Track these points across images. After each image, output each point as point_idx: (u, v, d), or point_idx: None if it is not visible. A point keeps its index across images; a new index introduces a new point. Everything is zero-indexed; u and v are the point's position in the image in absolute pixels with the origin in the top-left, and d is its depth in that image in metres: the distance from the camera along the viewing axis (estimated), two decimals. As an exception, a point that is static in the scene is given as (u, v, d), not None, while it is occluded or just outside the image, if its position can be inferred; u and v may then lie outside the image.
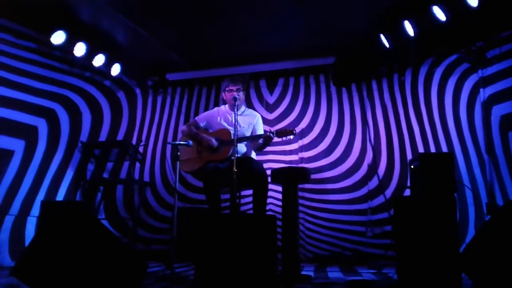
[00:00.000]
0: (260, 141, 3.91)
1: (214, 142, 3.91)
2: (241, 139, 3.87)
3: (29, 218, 4.81)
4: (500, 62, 4.49)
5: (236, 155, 3.50)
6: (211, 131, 4.12)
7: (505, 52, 4.44)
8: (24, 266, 2.76)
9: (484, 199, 4.54)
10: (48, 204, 4.18)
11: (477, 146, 4.71)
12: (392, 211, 4.80)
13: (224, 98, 4.16)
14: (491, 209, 4.34)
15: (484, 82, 4.66)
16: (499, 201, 4.39)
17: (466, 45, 4.76)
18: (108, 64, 5.47)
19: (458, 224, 2.97)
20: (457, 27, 4.37)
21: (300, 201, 5.33)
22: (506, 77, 4.42)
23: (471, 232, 4.57)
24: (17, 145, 4.80)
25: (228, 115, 4.11)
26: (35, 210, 4.85)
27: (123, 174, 5.90)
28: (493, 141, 4.51)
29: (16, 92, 4.76)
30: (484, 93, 4.65)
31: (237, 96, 3.87)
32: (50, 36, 4.78)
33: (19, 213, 4.73)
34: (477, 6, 3.90)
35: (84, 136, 5.71)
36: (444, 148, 4.96)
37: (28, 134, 4.93)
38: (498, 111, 4.49)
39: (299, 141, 5.63)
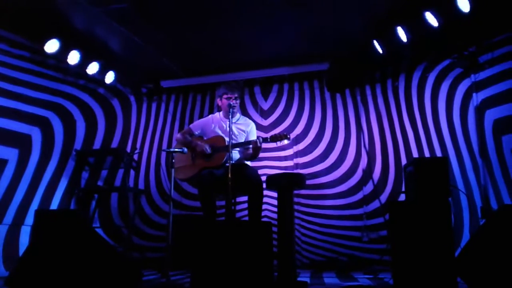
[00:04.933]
0: (250, 151, 3.92)
1: (207, 148, 3.91)
2: (235, 145, 3.88)
3: (23, 227, 4.77)
4: (493, 67, 4.53)
5: (231, 161, 3.50)
6: (205, 138, 4.13)
7: (497, 57, 4.48)
8: (18, 276, 2.74)
9: (478, 203, 4.56)
10: (42, 213, 4.13)
11: (471, 150, 4.74)
12: (387, 216, 4.80)
13: (220, 104, 4.17)
14: (485, 213, 4.35)
15: (477, 87, 4.69)
16: (494, 204, 4.41)
17: (459, 50, 4.80)
18: (102, 72, 5.47)
19: (453, 228, 2.98)
20: (450, 33, 4.41)
21: (296, 207, 5.33)
22: (499, 82, 4.45)
23: (466, 236, 4.58)
24: (10, 154, 4.77)
25: (223, 123, 4.12)
26: (29, 219, 4.82)
27: (117, 182, 5.88)
28: (487, 145, 4.54)
29: (9, 101, 4.74)
30: (477, 98, 4.69)
31: (235, 105, 3.88)
32: (43, 45, 4.76)
33: (12, 222, 4.70)
34: (469, 12, 3.94)
35: (78, 144, 5.69)
36: (438, 153, 4.98)
37: (21, 142, 4.91)
38: (491, 115, 4.52)
39: (294, 147, 5.63)
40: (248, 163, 4.08)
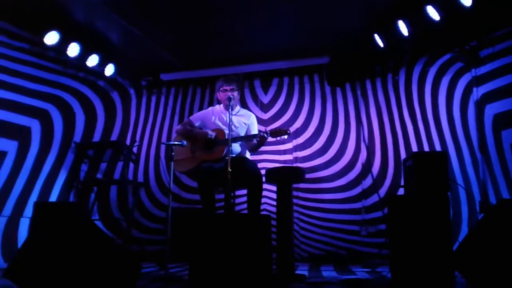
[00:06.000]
0: (255, 141, 3.91)
1: (210, 133, 3.90)
2: (236, 139, 3.87)
3: (22, 219, 4.78)
4: (493, 62, 4.52)
5: (231, 155, 3.50)
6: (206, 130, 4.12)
7: (498, 52, 4.47)
8: (17, 268, 2.75)
9: (477, 197, 4.57)
10: (41, 205, 4.12)
11: (470, 145, 4.74)
12: (386, 210, 4.81)
13: (219, 98, 4.16)
14: (484, 208, 4.36)
15: (477, 81, 4.68)
16: (492, 199, 4.41)
17: (460, 44, 4.78)
18: (102, 64, 5.45)
19: (451, 222, 2.99)
20: (451, 27, 4.40)
21: (295, 200, 5.34)
22: (499, 76, 4.44)
23: (464, 230, 4.59)
24: (10, 146, 4.77)
25: (223, 115, 4.11)
26: (28, 211, 4.82)
27: (117, 174, 5.87)
28: (486, 140, 4.54)
29: (9, 93, 4.73)
30: (477, 92, 4.67)
31: (231, 96, 3.86)
32: (43, 37, 4.76)
33: (12, 214, 4.70)
34: (470, 6, 3.93)
35: (77, 136, 5.68)
36: (438, 147, 4.98)
37: (21, 135, 4.90)
38: (491, 110, 4.52)
39: (294, 141, 5.63)
40: (248, 156, 4.08)
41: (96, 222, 5.21)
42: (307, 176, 5.13)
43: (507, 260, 2.62)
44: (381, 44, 4.73)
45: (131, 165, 5.95)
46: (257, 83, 6.01)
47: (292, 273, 3.50)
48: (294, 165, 5.45)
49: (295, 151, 5.62)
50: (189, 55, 5.66)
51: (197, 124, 4.17)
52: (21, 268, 2.73)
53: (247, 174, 3.73)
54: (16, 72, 4.81)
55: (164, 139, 6.08)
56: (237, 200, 5.26)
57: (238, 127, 4.04)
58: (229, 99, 3.82)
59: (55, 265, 2.69)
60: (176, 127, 4.37)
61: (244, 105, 5.76)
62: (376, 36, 4.71)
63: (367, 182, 5.30)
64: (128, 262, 2.77)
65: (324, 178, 5.46)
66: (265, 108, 5.90)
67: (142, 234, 5.75)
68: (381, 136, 5.38)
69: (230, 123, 3.66)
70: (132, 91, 6.32)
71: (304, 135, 5.65)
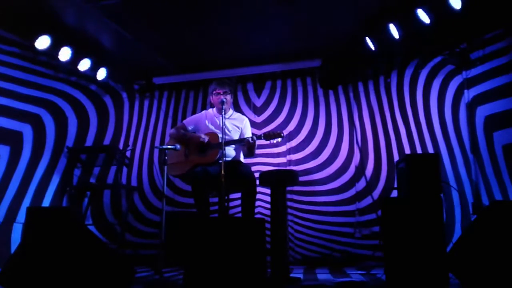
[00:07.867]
0: (249, 141, 3.92)
1: (204, 137, 3.89)
2: (229, 143, 3.87)
3: (14, 224, 4.75)
4: (484, 64, 4.56)
5: (224, 158, 3.50)
6: (198, 134, 4.11)
7: (489, 54, 4.51)
8: (10, 273, 2.73)
9: (470, 199, 4.60)
10: (34, 210, 4.09)
11: (462, 146, 4.77)
12: (379, 212, 4.84)
13: (212, 101, 4.16)
14: (477, 209, 4.39)
15: (468, 83, 4.72)
16: (485, 200, 4.44)
17: (450, 47, 4.83)
18: (93, 69, 5.43)
19: (444, 224, 3.01)
20: (441, 30, 4.43)
21: (289, 203, 5.34)
22: (490, 79, 4.48)
23: (457, 232, 4.62)
24: (1, 151, 4.74)
25: (216, 119, 4.11)
26: (21, 216, 4.79)
27: (110, 179, 5.85)
28: (478, 142, 4.57)
29: (0, 98, 4.69)
30: (469, 94, 4.72)
31: (224, 100, 3.86)
32: (34, 41, 4.72)
33: (4, 219, 4.67)
34: (460, 9, 3.96)
35: (70, 141, 5.65)
36: (430, 149, 5.01)
37: (13, 139, 4.87)
38: (482, 112, 4.56)
39: (287, 144, 5.64)
40: (242, 160, 4.08)
41: (90, 226, 5.23)
42: (301, 178, 5.13)
43: (500, 261, 2.64)
44: (372, 47, 4.75)
45: (125, 169, 5.93)
46: (250, 86, 6.02)
47: (287, 276, 3.50)
48: (288, 168, 5.46)
49: (289, 154, 5.63)
50: (181, 58, 5.66)
51: (190, 128, 4.17)
52: (14, 273, 2.72)
53: (241, 177, 3.73)
54: (7, 76, 4.78)
55: (157, 143, 6.06)
56: (231, 204, 5.25)
57: (231, 130, 4.04)
58: (222, 102, 3.83)
59: (49, 271, 2.67)
60: (169, 130, 4.36)
61: (237, 108, 5.76)
62: (368, 39, 4.74)
63: (361, 184, 5.32)
64: (121, 266, 2.76)
65: (318, 180, 5.47)
66: (258, 111, 5.90)
67: (136, 238, 5.72)
68: (374, 139, 5.40)
69: (223, 127, 3.66)
70: (124, 95, 6.30)
71: (297, 138, 5.66)
